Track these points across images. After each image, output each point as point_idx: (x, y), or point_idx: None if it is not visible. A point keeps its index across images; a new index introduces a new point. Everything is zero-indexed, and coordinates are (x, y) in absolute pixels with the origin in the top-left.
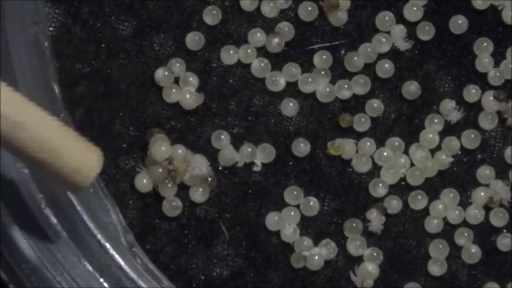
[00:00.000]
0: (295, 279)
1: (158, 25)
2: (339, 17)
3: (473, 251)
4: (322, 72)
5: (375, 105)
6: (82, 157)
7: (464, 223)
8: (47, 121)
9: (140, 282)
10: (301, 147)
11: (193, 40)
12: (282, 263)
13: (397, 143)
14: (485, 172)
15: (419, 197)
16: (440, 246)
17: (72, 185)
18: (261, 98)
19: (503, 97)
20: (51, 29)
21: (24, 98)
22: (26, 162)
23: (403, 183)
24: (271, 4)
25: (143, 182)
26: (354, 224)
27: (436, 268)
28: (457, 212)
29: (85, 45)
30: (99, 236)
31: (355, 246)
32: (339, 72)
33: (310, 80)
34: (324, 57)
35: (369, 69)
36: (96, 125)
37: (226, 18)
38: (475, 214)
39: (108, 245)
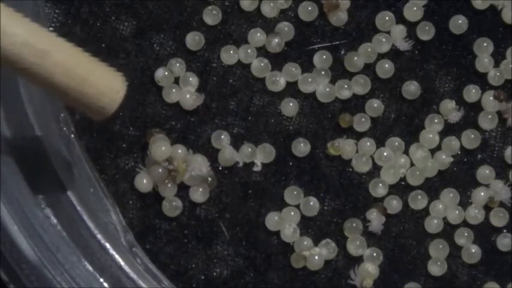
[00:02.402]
0: (295, 279)
1: (158, 25)
2: (339, 17)
3: (473, 251)
4: (322, 72)
5: (375, 105)
6: (107, 80)
7: (464, 223)
8: (70, 48)
9: (140, 282)
10: (301, 147)
11: (193, 40)
12: (282, 263)
13: (397, 143)
14: (485, 172)
15: (419, 197)
16: (440, 246)
17: (100, 109)
18: (261, 98)
19: (503, 97)
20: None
21: (45, 29)
22: (53, 91)
23: (403, 183)
24: (271, 4)
25: (143, 182)
26: (354, 224)
27: (436, 268)
28: (457, 212)
29: (85, 45)
30: (99, 236)
31: (355, 246)
32: (339, 72)
33: (310, 80)
34: (324, 57)
35: (369, 69)
36: (96, 125)
37: (226, 18)
38: (475, 214)
39: (108, 245)
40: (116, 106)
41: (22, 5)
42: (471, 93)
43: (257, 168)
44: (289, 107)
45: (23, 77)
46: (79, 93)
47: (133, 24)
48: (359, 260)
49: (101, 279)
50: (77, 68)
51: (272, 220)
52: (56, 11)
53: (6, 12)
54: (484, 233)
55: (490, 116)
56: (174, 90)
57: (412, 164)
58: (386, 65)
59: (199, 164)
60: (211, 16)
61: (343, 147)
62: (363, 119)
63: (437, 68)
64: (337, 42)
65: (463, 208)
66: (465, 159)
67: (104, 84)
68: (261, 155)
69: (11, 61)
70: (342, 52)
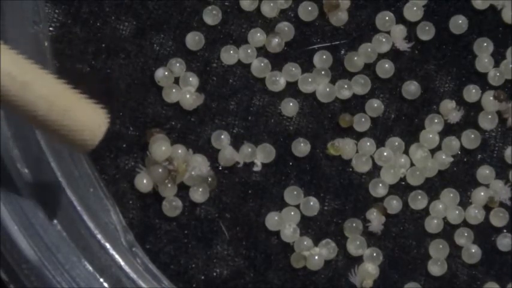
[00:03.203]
0: (295, 279)
1: (158, 25)
2: (339, 17)
3: (473, 251)
4: (322, 72)
5: (375, 105)
6: (89, 114)
7: (464, 223)
8: (53, 81)
9: (140, 282)
10: (301, 147)
11: (193, 40)
12: (282, 263)
13: (397, 143)
14: (485, 172)
15: (419, 197)
16: (440, 246)
17: (81, 143)
18: (261, 98)
19: (503, 97)
20: (51, 29)
21: (29, 61)
22: (35, 124)
23: (403, 183)
24: (271, 4)
25: (143, 182)
26: (354, 224)
27: (436, 268)
28: (457, 212)
29: (85, 45)
30: (99, 236)
31: (355, 246)
32: (339, 72)
33: (310, 80)
34: (324, 57)
35: (369, 69)
36: None
37: (226, 18)
38: (475, 214)
39: (108, 245)
40: (97, 141)
41: (22, 5)
42: (471, 93)
43: (257, 168)
44: (289, 107)
45: (5, 107)
46: (61, 126)
47: (133, 24)
48: (359, 260)
49: (101, 279)
50: (59, 100)
51: (272, 220)
52: (56, 11)
53: None
54: (484, 233)
55: (490, 116)
56: (174, 90)
57: (412, 164)
58: (386, 65)
59: (199, 164)
60: (211, 16)
61: (343, 147)
62: (363, 119)
63: (437, 68)
64: (337, 42)
65: (463, 208)
66: (465, 159)
67: (86, 118)
68: (261, 155)
69: None
70: (342, 52)
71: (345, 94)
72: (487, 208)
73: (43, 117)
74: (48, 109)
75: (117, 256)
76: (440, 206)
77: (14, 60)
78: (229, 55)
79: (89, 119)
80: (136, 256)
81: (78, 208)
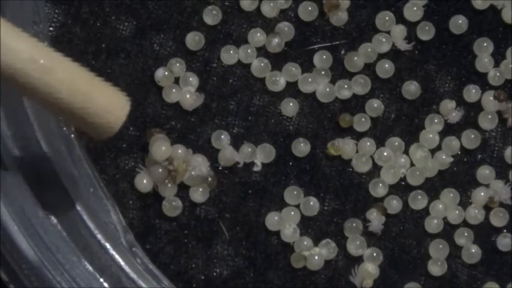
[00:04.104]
0: (295, 279)
1: (158, 25)
2: (339, 17)
3: (473, 251)
4: (322, 72)
5: (375, 105)
6: (111, 97)
7: (464, 223)
8: (74, 66)
9: (140, 282)
10: (301, 147)
11: (193, 40)
12: (282, 263)
13: (397, 143)
14: (485, 172)
15: (419, 197)
16: (440, 246)
17: (104, 127)
18: (261, 98)
19: (503, 97)
20: (51, 29)
21: (50, 47)
22: (57, 110)
23: (403, 183)
24: (271, 4)
25: (143, 182)
26: (354, 224)
27: (436, 268)
28: (457, 212)
29: (85, 45)
30: (99, 236)
31: (355, 246)
32: (339, 72)
33: (310, 80)
34: (324, 57)
35: (369, 69)
36: None
37: (226, 18)
38: (475, 214)
39: (108, 245)
40: (120, 124)
41: (22, 5)
42: (471, 93)
43: (257, 168)
44: (289, 107)
45: (27, 95)
46: (83, 110)
47: (133, 24)
48: (359, 260)
49: (101, 279)
50: (81, 85)
51: (272, 220)
52: (56, 11)
53: (9, 29)
54: (484, 233)
55: (490, 116)
56: (174, 90)
57: (412, 164)
58: (386, 65)
59: (199, 164)
60: (211, 16)
61: (343, 147)
62: (363, 119)
63: (437, 68)
64: (337, 42)
65: (463, 208)
66: (465, 159)
67: (108, 101)
68: (261, 155)
69: (16, 77)
70: (342, 52)
71: (345, 94)
72: (487, 208)
73: (65, 101)
74: (71, 93)
75: (117, 256)
76: (440, 206)
77: (35, 45)
78: (229, 55)
79: (110, 102)
80: (136, 256)
81: (78, 208)
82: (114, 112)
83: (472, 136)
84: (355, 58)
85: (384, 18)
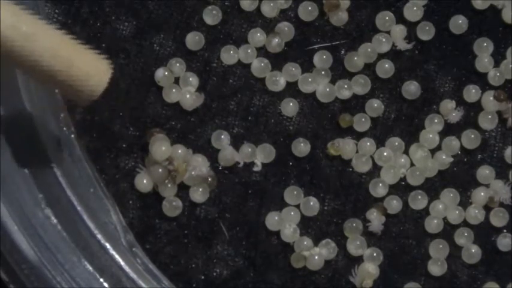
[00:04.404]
0: (295, 279)
1: (158, 25)
2: (339, 17)
3: (473, 251)
4: (322, 72)
5: (375, 105)
6: (93, 63)
7: (464, 223)
8: (56, 32)
9: (140, 282)
10: (301, 147)
11: (193, 40)
12: (282, 263)
13: (397, 143)
14: (485, 172)
15: (419, 197)
16: (440, 246)
17: (87, 92)
18: (261, 98)
19: (503, 97)
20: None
21: (31, 14)
22: (40, 77)
23: (403, 183)
24: (271, 4)
25: (143, 182)
26: (354, 224)
27: (436, 268)
28: (457, 212)
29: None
30: (99, 236)
31: (355, 246)
32: (339, 72)
33: (310, 80)
34: (324, 57)
35: (369, 69)
36: (96, 125)
37: (226, 18)
38: (475, 214)
39: (108, 245)
40: (102, 88)
41: (22, 5)
42: (471, 93)
43: (257, 168)
44: (289, 107)
45: (13, 62)
46: (66, 77)
47: (133, 24)
48: (359, 260)
49: (101, 279)
50: (63, 51)
51: (272, 220)
52: (56, 11)
53: None
54: (484, 233)
55: (490, 116)
56: (174, 90)
57: (412, 164)
58: (386, 65)
59: (199, 164)
60: (211, 16)
61: (343, 147)
62: (363, 119)
63: (437, 68)
64: (337, 42)
65: (463, 208)
66: (465, 159)
67: (90, 66)
68: (261, 155)
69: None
70: (342, 52)
71: (345, 94)
72: (487, 208)
73: (48, 67)
74: (53, 59)
75: (117, 256)
76: (440, 206)
77: (16, 12)
78: (229, 55)
79: (93, 67)
80: (136, 256)
81: (78, 208)
82: (97, 77)
83: (472, 136)
84: (355, 58)
85: (384, 18)
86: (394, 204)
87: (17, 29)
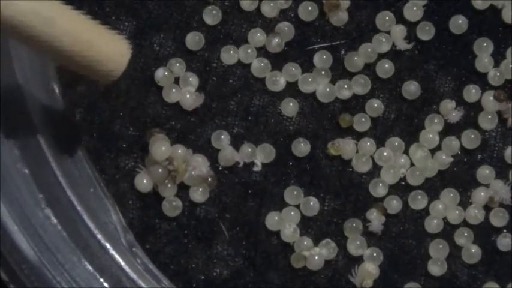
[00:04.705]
0: (295, 279)
1: (158, 25)
2: (339, 17)
3: (473, 251)
4: (322, 72)
5: (375, 105)
6: (113, 44)
7: (464, 223)
8: (75, 15)
9: (140, 282)
10: (301, 147)
11: (193, 40)
12: (282, 263)
13: (397, 143)
14: (485, 172)
15: (419, 197)
16: (440, 246)
17: (107, 73)
18: (261, 98)
19: (503, 97)
20: None
21: None
22: (60, 59)
23: (403, 183)
24: (271, 4)
25: (143, 182)
26: (354, 224)
27: (436, 268)
28: (457, 212)
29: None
30: (99, 236)
31: (355, 246)
32: (339, 72)
33: (310, 80)
34: (324, 57)
35: (369, 69)
36: (96, 125)
37: (226, 18)
38: (475, 214)
39: (108, 245)
40: (122, 70)
41: None
42: (471, 93)
43: (257, 168)
44: (289, 107)
45: (31, 46)
46: (86, 58)
47: (133, 24)
48: (359, 260)
49: (101, 279)
50: (83, 34)
51: (272, 220)
52: None
53: None
54: (484, 233)
55: (490, 116)
56: (174, 90)
57: (412, 164)
58: (386, 65)
59: (199, 164)
60: (211, 16)
61: (343, 147)
62: (363, 119)
63: (437, 68)
64: (337, 42)
65: (463, 208)
66: (465, 159)
67: (110, 48)
68: (261, 155)
69: (19, 30)
70: (342, 52)
71: (345, 94)
72: (487, 208)
73: (68, 50)
74: (73, 42)
75: (117, 256)
76: (440, 206)
77: None
78: (229, 55)
79: (112, 49)
80: (136, 256)
81: (78, 208)
82: (116, 58)
83: (472, 136)
84: (355, 58)
85: (384, 18)
86: (394, 204)
87: (36, 14)
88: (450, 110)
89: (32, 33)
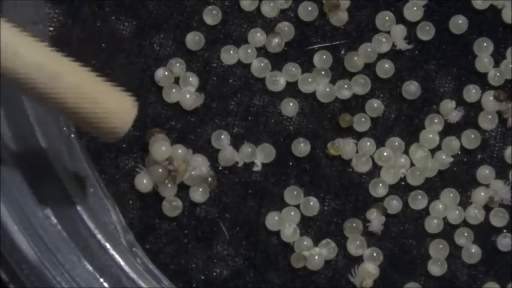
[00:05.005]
0: (295, 279)
1: (158, 25)
2: (339, 17)
3: (473, 251)
4: (322, 72)
5: (375, 105)
6: (118, 101)
7: (464, 223)
8: (82, 70)
9: (140, 282)
10: (301, 147)
11: (193, 40)
12: (282, 263)
13: (397, 143)
14: (485, 172)
15: (419, 197)
16: (440, 246)
17: (112, 131)
18: (261, 98)
19: (503, 97)
20: (51, 29)
21: (56, 51)
22: (65, 114)
23: (403, 183)
24: (271, 4)
25: (143, 182)
26: (354, 224)
27: (436, 268)
28: (457, 212)
29: (85, 45)
30: (99, 236)
31: (355, 246)
32: (339, 72)
33: (310, 80)
34: (324, 57)
35: (369, 69)
36: None
37: (226, 18)
38: (475, 214)
39: (108, 245)
40: (127, 127)
41: (22, 5)
42: (471, 93)
43: (257, 168)
44: (289, 107)
45: (34, 99)
46: (90, 114)
47: (133, 24)
48: (359, 260)
49: (101, 279)
50: (88, 89)
51: (272, 220)
52: (56, 11)
53: (17, 35)
54: (484, 233)
55: (490, 116)
56: (174, 90)
57: (412, 164)
58: (386, 65)
59: (199, 164)
60: (211, 16)
61: (343, 147)
62: (363, 119)
63: (437, 68)
64: (337, 42)
65: (463, 208)
66: (465, 159)
67: (116, 105)
68: (261, 155)
69: (24, 83)
70: (342, 52)
71: (345, 94)
72: (487, 208)
73: (73, 106)
74: (78, 98)
75: (117, 256)
76: (440, 206)
77: (41, 51)
78: (229, 55)
79: (118, 106)
80: (136, 256)
81: (78, 208)
82: (121, 116)
83: (472, 136)
84: (355, 58)
85: (384, 18)
86: (394, 204)
87: (41, 67)
88: (450, 110)
89: (36, 88)
